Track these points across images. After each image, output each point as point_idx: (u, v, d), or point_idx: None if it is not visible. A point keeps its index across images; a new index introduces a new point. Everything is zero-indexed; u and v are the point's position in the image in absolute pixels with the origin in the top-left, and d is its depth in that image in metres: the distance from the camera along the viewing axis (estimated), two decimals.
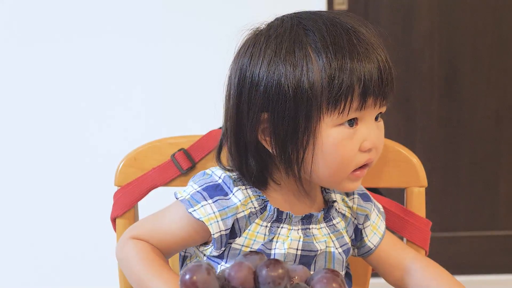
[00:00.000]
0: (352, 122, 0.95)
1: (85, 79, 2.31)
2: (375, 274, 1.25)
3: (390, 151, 1.19)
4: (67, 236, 2.38)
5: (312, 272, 0.82)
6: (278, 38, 0.95)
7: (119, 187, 1.18)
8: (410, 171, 1.19)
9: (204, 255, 1.03)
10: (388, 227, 1.15)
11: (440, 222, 2.57)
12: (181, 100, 2.32)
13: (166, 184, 1.17)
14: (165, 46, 2.30)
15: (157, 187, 1.18)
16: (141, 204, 1.20)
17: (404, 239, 1.17)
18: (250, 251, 0.86)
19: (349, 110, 0.93)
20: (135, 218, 1.19)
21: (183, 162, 1.16)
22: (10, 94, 2.32)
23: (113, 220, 1.18)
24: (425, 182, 1.19)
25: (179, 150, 1.17)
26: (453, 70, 2.51)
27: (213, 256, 1.02)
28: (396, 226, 1.16)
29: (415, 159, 1.19)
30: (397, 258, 1.08)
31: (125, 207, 1.17)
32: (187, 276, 0.78)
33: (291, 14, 0.99)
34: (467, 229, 2.62)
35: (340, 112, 0.93)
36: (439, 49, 2.50)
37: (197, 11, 2.29)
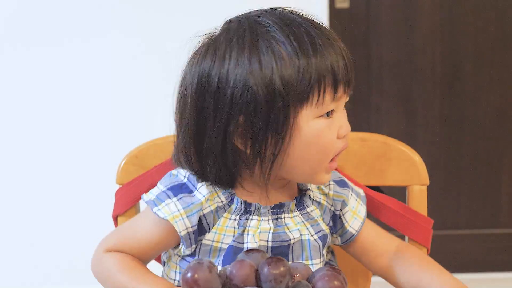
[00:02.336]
0: (329, 112, 0.96)
1: (87, 76, 2.31)
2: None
3: (391, 149, 1.19)
4: (68, 235, 2.38)
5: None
6: (240, 39, 0.94)
7: (121, 185, 1.19)
8: (411, 169, 1.18)
9: (179, 256, 1.03)
10: (389, 225, 1.15)
11: (442, 220, 2.57)
12: None
13: None
14: (167, 45, 2.30)
15: None
16: (143, 202, 1.20)
17: (406, 238, 1.17)
18: (252, 249, 0.86)
19: (323, 102, 0.94)
20: None
21: None
22: (12, 93, 2.32)
23: (115, 218, 1.18)
24: (426, 180, 1.19)
25: None
26: (455, 68, 2.51)
27: (186, 255, 1.02)
28: (397, 224, 1.16)
29: (416, 157, 1.19)
30: (382, 246, 1.08)
31: (126, 205, 1.17)
32: (189, 274, 0.78)
33: (243, 14, 0.99)
34: (469, 227, 2.62)
35: (315, 104, 0.93)
36: (441, 47, 2.50)
37: (201, 9, 2.29)
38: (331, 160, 0.99)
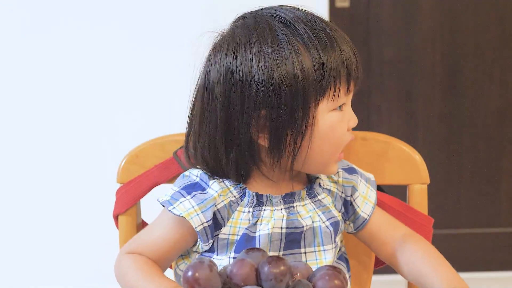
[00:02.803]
0: (341, 105, 1.01)
1: (88, 76, 2.31)
2: (376, 272, 1.26)
3: (392, 148, 1.19)
4: (69, 234, 2.38)
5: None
6: (261, 35, 0.97)
7: (122, 184, 1.19)
8: (412, 168, 1.19)
9: (198, 252, 1.05)
10: None
11: (442, 219, 2.57)
12: (182, 97, 2.32)
13: (168, 181, 1.18)
14: (168, 45, 2.30)
15: (159, 184, 1.18)
16: (144, 201, 1.20)
17: None
18: (252, 248, 0.86)
19: (338, 96, 0.98)
20: (137, 215, 1.20)
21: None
22: (13, 92, 2.32)
23: (116, 217, 1.19)
24: (427, 179, 1.19)
25: (181, 147, 1.17)
26: (456, 67, 2.51)
27: (205, 251, 1.03)
28: None
29: (417, 156, 1.19)
30: (389, 234, 1.09)
31: (127, 204, 1.17)
32: (189, 273, 0.78)
33: (257, 11, 1.02)
34: (469, 226, 2.62)
35: (332, 97, 0.98)
36: (441, 46, 2.50)
37: (203, 8, 2.29)
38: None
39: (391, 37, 2.48)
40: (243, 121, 0.97)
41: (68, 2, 2.28)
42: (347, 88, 0.99)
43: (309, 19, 0.99)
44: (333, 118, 0.99)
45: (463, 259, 2.62)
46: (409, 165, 1.19)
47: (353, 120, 1.03)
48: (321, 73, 0.96)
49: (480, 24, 2.49)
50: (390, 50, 2.49)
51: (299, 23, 0.98)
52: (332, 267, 0.82)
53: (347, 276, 1.11)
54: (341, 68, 0.97)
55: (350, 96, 1.02)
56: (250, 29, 0.98)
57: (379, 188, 1.20)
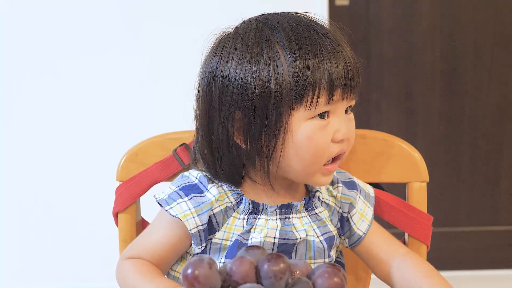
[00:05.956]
0: (323, 115, 0.97)
1: (87, 75, 2.31)
2: None
3: (391, 146, 1.19)
4: (68, 232, 2.38)
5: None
6: (245, 38, 0.97)
7: (121, 182, 1.19)
8: (411, 166, 1.19)
9: (190, 254, 1.05)
10: (389, 222, 1.15)
11: (441, 217, 2.58)
12: (182, 95, 2.32)
13: (168, 179, 1.18)
14: (167, 44, 2.31)
15: (159, 182, 1.18)
16: (143, 199, 1.20)
17: (406, 234, 1.18)
18: (252, 245, 0.86)
19: (316, 105, 0.95)
20: (137, 213, 1.20)
21: (185, 157, 1.17)
22: (13, 90, 2.32)
23: (115, 215, 1.19)
24: (426, 177, 1.19)
25: (181, 145, 1.18)
26: (455, 65, 2.51)
27: (197, 254, 1.03)
28: (397, 221, 1.16)
29: (416, 154, 1.19)
30: (387, 252, 1.09)
31: (127, 202, 1.17)
32: (189, 271, 0.78)
33: (257, 16, 1.02)
34: (468, 224, 2.63)
35: (308, 107, 0.95)
36: (441, 44, 2.50)
37: (197, 17, 2.29)
38: (332, 163, 1.00)
39: (390, 35, 2.48)
40: (220, 121, 0.98)
41: (68, 1, 2.28)
42: (330, 98, 0.95)
43: (300, 26, 0.97)
44: (310, 127, 0.96)
45: (462, 257, 2.62)
46: (408, 163, 1.19)
47: (342, 132, 0.98)
48: (296, 80, 0.94)
49: (479, 23, 2.49)
50: (389, 48, 2.49)
51: (286, 30, 0.96)
52: (332, 265, 0.82)
53: None
54: (321, 77, 0.94)
55: (338, 106, 0.98)
56: (238, 33, 0.99)
57: (379, 186, 1.20)
